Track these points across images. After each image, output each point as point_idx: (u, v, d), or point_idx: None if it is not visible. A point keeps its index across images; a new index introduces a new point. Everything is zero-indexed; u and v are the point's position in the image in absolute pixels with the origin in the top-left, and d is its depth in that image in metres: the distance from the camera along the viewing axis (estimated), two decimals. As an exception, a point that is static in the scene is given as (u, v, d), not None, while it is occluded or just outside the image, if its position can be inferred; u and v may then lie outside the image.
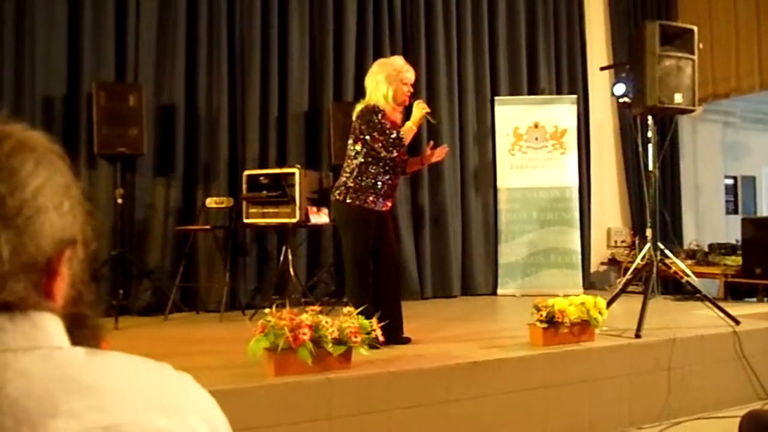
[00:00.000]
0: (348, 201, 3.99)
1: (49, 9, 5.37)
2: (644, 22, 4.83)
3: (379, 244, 4.06)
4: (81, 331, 0.73)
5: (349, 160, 4.07)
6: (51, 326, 0.68)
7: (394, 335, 3.88)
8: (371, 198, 3.99)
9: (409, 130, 4.02)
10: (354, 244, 4.01)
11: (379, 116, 3.96)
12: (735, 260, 6.72)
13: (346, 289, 4.09)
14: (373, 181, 4.00)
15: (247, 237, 6.01)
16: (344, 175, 4.07)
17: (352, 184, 4.00)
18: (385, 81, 4.03)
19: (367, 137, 3.97)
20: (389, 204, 4.15)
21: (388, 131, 3.94)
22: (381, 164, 4.01)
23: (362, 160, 4.01)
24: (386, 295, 4.05)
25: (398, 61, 4.19)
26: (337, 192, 4.05)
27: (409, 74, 4.11)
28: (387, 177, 4.04)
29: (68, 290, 0.71)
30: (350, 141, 4.08)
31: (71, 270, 0.71)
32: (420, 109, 4.05)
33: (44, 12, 5.35)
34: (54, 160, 0.71)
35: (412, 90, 4.13)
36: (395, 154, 4.00)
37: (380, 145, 3.95)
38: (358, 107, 4.07)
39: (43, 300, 0.68)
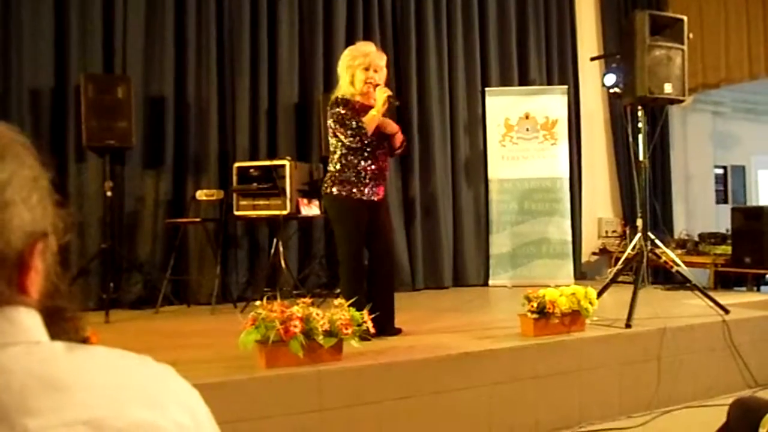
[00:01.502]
0: (335, 193, 4.00)
1: (35, 0, 5.32)
2: (634, 12, 4.83)
3: (372, 235, 4.05)
4: (60, 325, 0.73)
5: (331, 154, 4.09)
6: (28, 321, 0.67)
7: (385, 327, 3.88)
8: (357, 188, 3.98)
9: (371, 118, 3.94)
10: (347, 236, 4.00)
11: (340, 108, 3.95)
12: (725, 249, 6.76)
13: (340, 281, 4.08)
14: (355, 170, 3.99)
15: (238, 229, 6.00)
16: (329, 168, 4.08)
17: (336, 177, 4.00)
18: (347, 68, 4.02)
19: (333, 130, 3.99)
20: (380, 192, 4.09)
21: (348, 122, 3.92)
22: (359, 153, 3.99)
23: (341, 152, 4.01)
24: (378, 287, 4.04)
25: (361, 47, 4.12)
26: (325, 185, 4.06)
27: (369, 59, 4.00)
28: (369, 163, 4.01)
29: (43, 283, 0.70)
30: (329, 135, 4.09)
31: (45, 263, 0.70)
32: (381, 93, 3.97)
33: (30, 3, 5.30)
34: (20, 152, 0.70)
35: (372, 77, 4.00)
36: (360, 144, 3.95)
37: (344, 136, 3.95)
38: (331, 100, 4.07)
39: (16, 295, 0.67)
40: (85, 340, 0.74)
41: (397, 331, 4.04)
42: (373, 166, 4.03)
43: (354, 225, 3.98)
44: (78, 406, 0.61)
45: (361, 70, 3.99)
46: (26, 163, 0.70)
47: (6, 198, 0.66)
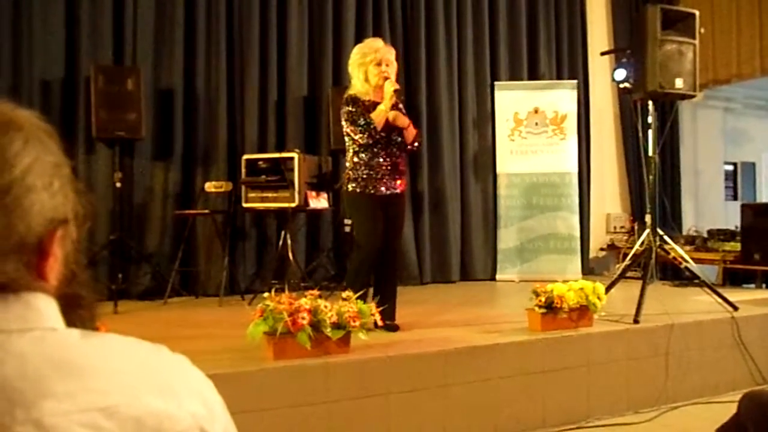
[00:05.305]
0: (350, 189, 4.04)
1: (46, -9, 5.33)
2: (645, 6, 4.80)
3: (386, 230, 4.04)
4: (76, 312, 0.73)
5: (347, 151, 4.13)
6: (45, 307, 0.68)
7: (384, 321, 3.82)
8: (372, 184, 4.00)
9: (379, 113, 3.95)
10: (364, 230, 4.01)
11: (350, 106, 3.98)
12: (734, 246, 6.73)
13: (348, 267, 4.10)
14: (369, 167, 4.00)
15: (246, 221, 6.01)
16: (346, 165, 4.14)
17: (351, 173, 4.04)
18: (359, 66, 4.04)
19: (345, 128, 4.03)
20: (397, 186, 4.08)
21: (357, 119, 3.95)
22: (371, 149, 4.00)
23: (354, 148, 4.04)
24: (382, 280, 4.05)
25: (370, 43, 4.14)
26: (343, 182, 4.12)
27: (380, 54, 4.01)
28: (382, 159, 4.02)
29: (62, 270, 0.70)
30: (344, 133, 4.11)
31: (64, 250, 0.70)
32: (389, 87, 3.97)
33: (41, -6, 5.32)
34: (43, 139, 0.70)
35: (384, 71, 4.00)
36: (371, 140, 3.96)
37: (355, 134, 3.98)
38: (343, 99, 4.09)
39: (35, 281, 0.67)
40: (93, 328, 0.74)
41: (395, 328, 3.98)
42: (386, 162, 4.03)
43: (371, 220, 3.98)
44: (93, 392, 0.62)
45: (373, 65, 4.01)
46: (49, 149, 0.70)
47: (28, 183, 0.66)
